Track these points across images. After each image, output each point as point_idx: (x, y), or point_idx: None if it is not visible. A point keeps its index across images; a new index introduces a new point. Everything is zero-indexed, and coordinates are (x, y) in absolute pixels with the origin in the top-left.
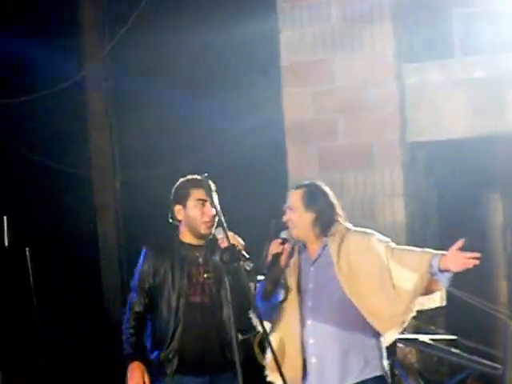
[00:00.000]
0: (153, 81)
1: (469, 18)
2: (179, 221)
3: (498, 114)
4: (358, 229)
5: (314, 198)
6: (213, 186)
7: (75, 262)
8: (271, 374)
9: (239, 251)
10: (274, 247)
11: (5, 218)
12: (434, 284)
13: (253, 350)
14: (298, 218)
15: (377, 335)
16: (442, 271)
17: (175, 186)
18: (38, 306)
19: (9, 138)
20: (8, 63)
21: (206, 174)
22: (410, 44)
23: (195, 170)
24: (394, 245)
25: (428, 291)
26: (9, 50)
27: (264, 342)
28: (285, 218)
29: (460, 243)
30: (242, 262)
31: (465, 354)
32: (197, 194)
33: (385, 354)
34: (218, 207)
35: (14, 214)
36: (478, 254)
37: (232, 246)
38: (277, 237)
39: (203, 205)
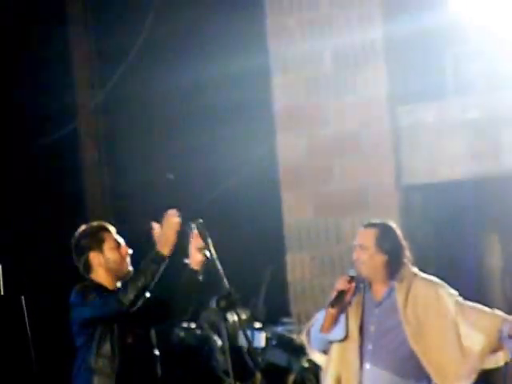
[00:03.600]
0: (143, 127)
1: (461, 58)
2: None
3: (493, 155)
4: (426, 276)
5: (387, 239)
6: (206, 231)
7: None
8: None
9: (236, 298)
10: (341, 284)
11: None
12: (498, 345)
13: None
14: (369, 258)
15: None
16: (510, 337)
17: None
18: (35, 353)
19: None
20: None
21: (200, 220)
22: (404, 86)
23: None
24: (461, 299)
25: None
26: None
27: None
28: (354, 256)
29: None
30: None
31: None
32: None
33: None
34: (213, 252)
35: (9, 264)
36: None
37: (229, 293)
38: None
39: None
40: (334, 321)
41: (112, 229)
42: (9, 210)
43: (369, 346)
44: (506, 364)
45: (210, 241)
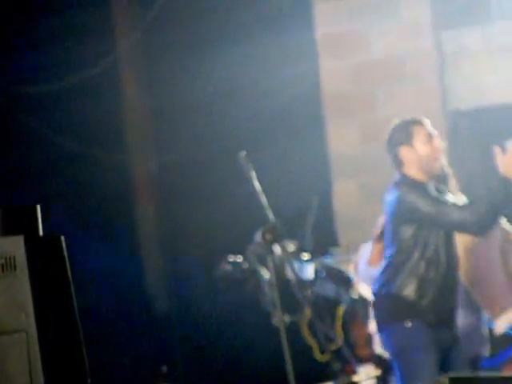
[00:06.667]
0: (187, 59)
1: None
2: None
3: None
4: None
5: None
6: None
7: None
8: None
9: (281, 230)
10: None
11: (38, 206)
12: None
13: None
14: None
15: None
16: None
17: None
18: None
19: (42, 125)
20: (38, 49)
21: (244, 153)
22: (447, 10)
23: (230, 151)
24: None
25: None
26: (38, 36)
27: (314, 325)
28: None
29: None
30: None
31: None
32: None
33: None
34: (257, 183)
35: (51, 202)
36: None
37: (275, 226)
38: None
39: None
40: (381, 254)
41: (425, 121)
42: (48, 148)
43: None
44: None
45: (252, 171)
